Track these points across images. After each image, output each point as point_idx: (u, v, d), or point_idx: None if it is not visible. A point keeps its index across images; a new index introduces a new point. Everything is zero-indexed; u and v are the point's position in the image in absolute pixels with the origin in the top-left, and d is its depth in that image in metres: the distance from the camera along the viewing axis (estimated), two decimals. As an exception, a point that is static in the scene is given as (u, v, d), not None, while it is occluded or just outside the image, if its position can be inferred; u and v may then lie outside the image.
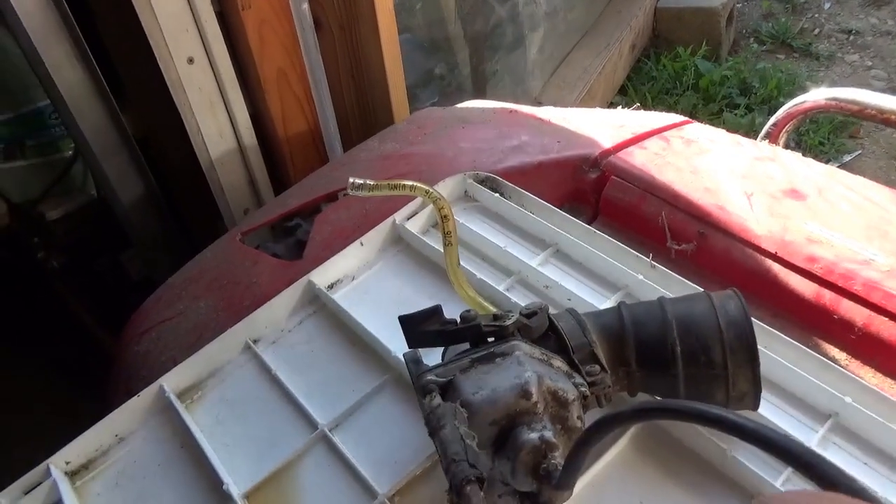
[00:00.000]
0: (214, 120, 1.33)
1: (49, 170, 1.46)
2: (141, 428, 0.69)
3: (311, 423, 0.65)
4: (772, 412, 0.57)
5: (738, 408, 0.53)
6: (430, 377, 0.50)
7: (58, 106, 1.28)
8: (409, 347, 0.55)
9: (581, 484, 0.55)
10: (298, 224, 1.08)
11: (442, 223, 0.60)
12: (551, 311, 0.56)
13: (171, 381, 0.70)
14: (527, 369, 0.48)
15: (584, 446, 0.39)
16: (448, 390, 0.50)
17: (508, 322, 0.52)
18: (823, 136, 2.53)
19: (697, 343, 0.52)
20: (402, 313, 0.74)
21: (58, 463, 0.65)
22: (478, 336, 0.52)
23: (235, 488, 0.60)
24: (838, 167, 2.18)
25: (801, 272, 0.66)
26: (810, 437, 0.55)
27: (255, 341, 0.74)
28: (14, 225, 1.52)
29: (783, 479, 0.52)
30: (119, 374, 0.87)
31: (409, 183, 0.58)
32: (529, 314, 0.54)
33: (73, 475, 0.66)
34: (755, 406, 0.53)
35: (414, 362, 0.54)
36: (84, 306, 1.57)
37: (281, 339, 0.75)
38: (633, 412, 0.37)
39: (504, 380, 0.47)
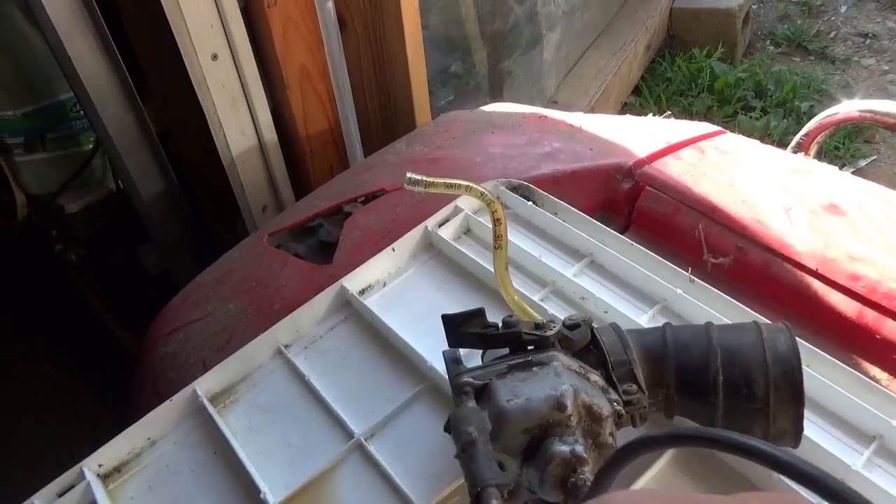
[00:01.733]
0: (236, 117, 1.33)
1: (69, 163, 1.45)
2: (173, 432, 0.69)
3: (347, 432, 0.64)
4: (815, 432, 0.57)
5: (777, 444, 0.53)
6: (467, 378, 0.50)
7: (81, 99, 1.28)
8: (450, 346, 0.55)
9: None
10: (320, 224, 1.07)
11: (494, 226, 0.60)
12: (594, 324, 0.56)
13: (204, 386, 0.70)
14: (564, 381, 0.47)
15: (615, 466, 0.39)
16: (483, 393, 0.49)
17: (550, 333, 0.52)
18: (839, 141, 2.52)
19: (741, 374, 0.51)
20: (436, 322, 0.74)
21: (91, 465, 0.65)
22: (518, 343, 0.52)
23: (272, 497, 0.59)
24: (853, 172, 2.17)
25: (842, 290, 0.66)
26: (855, 459, 0.55)
27: (286, 346, 0.74)
28: (33, 217, 1.52)
29: (830, 502, 0.52)
30: (145, 374, 0.87)
31: (465, 183, 0.58)
32: (572, 326, 0.54)
33: (105, 478, 0.66)
34: (796, 444, 0.53)
35: (453, 361, 0.53)
36: (100, 299, 1.57)
37: (312, 346, 0.74)
38: (668, 437, 0.36)
39: (540, 390, 0.47)
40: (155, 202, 1.40)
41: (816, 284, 0.67)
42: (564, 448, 0.44)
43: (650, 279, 0.70)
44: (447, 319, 0.54)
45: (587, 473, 0.44)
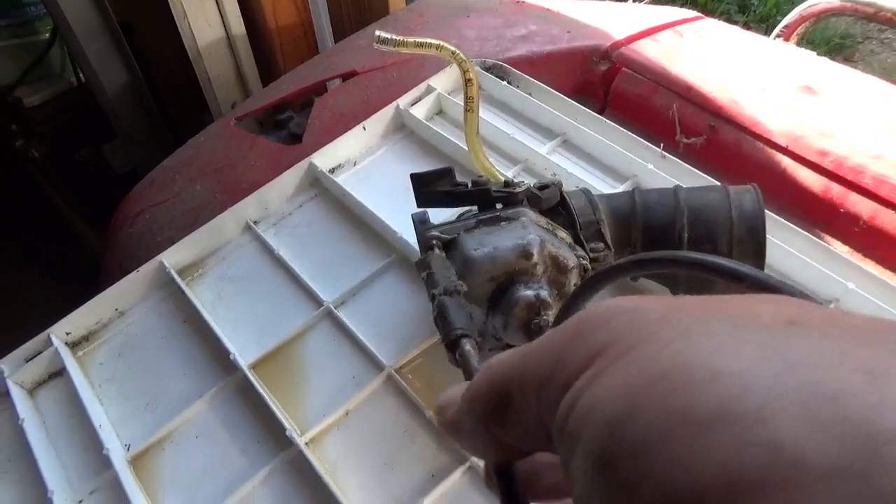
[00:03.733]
0: (201, 6, 1.27)
1: (26, 53, 1.38)
2: (141, 303, 0.68)
3: (316, 301, 0.65)
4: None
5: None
6: (435, 232, 0.49)
7: (34, -19, 1.21)
8: (418, 207, 0.54)
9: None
10: (290, 117, 1.04)
11: (466, 87, 0.58)
12: (564, 188, 0.55)
13: (171, 258, 0.69)
14: (530, 232, 0.48)
15: (578, 299, 0.38)
16: (451, 247, 0.49)
17: (519, 190, 0.52)
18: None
19: (706, 231, 0.52)
20: (407, 198, 0.74)
21: (58, 333, 0.65)
22: (487, 200, 0.52)
23: (242, 359, 0.60)
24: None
25: (811, 165, 0.66)
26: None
27: (255, 222, 0.73)
28: (-11, 111, 1.46)
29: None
30: (113, 256, 0.86)
31: (436, 42, 0.56)
32: (542, 187, 0.53)
33: (73, 346, 0.66)
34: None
35: (421, 222, 0.53)
36: (65, 199, 1.53)
37: (282, 222, 0.73)
38: (631, 263, 0.35)
39: (507, 240, 0.47)
40: (119, 96, 1.35)
41: (786, 161, 0.68)
42: (529, 293, 0.45)
43: (623, 156, 0.69)
44: (416, 177, 0.53)
45: (550, 316, 0.44)
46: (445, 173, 0.53)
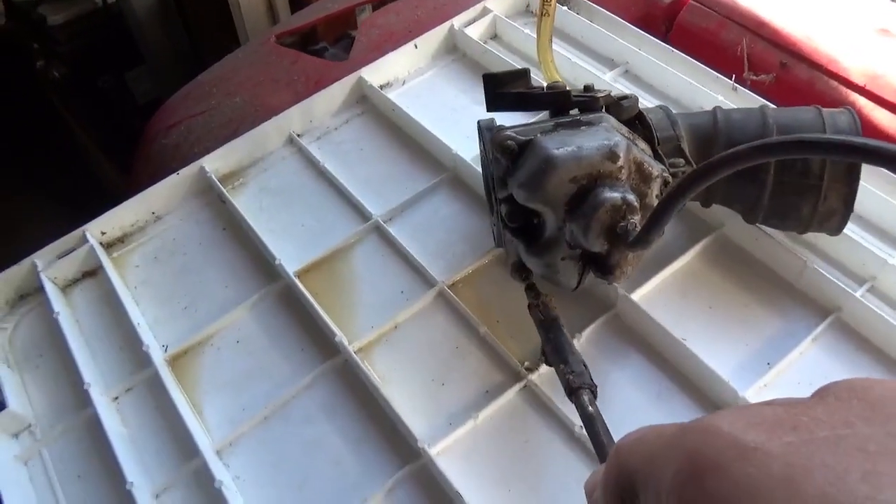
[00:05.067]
0: (236, -73, 1.22)
1: (51, -33, 1.34)
2: (178, 208, 0.66)
3: (364, 215, 0.62)
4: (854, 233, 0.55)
5: (822, 227, 0.51)
6: (510, 133, 0.46)
7: None
8: (488, 110, 0.51)
9: (647, 288, 0.54)
10: (325, 47, 1.01)
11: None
12: (641, 104, 0.52)
13: (212, 164, 0.66)
14: (615, 135, 0.44)
15: (682, 193, 0.34)
16: (527, 149, 0.46)
17: (600, 94, 0.48)
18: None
19: None
20: (457, 120, 0.70)
21: (93, 232, 0.62)
22: (564, 104, 0.49)
23: (287, 266, 0.57)
24: None
25: (889, 107, 0.63)
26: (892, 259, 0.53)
27: (299, 135, 0.70)
28: (12, 27, 1.42)
29: (863, 290, 0.51)
30: (144, 168, 0.83)
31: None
32: (620, 98, 0.50)
33: (108, 246, 0.63)
34: (839, 229, 0.51)
35: (489, 129, 0.50)
36: (82, 125, 1.50)
37: (326, 136, 0.70)
38: (753, 149, 0.30)
39: (592, 140, 0.44)
40: (148, 17, 1.31)
41: (862, 101, 0.64)
42: (616, 194, 0.42)
43: (689, 86, 0.66)
44: (489, 77, 0.50)
45: (636, 221, 0.42)
46: (521, 74, 0.50)
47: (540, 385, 0.49)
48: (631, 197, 0.42)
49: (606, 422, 0.40)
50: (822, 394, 0.18)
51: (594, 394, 0.42)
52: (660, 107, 0.53)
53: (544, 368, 0.49)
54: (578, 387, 0.42)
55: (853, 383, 0.18)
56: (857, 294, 0.50)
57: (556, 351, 0.45)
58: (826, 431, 0.16)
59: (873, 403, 0.17)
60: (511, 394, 0.49)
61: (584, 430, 0.42)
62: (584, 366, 0.43)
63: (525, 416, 0.49)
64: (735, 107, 0.62)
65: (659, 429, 0.20)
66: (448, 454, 0.47)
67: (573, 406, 0.42)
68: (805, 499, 0.15)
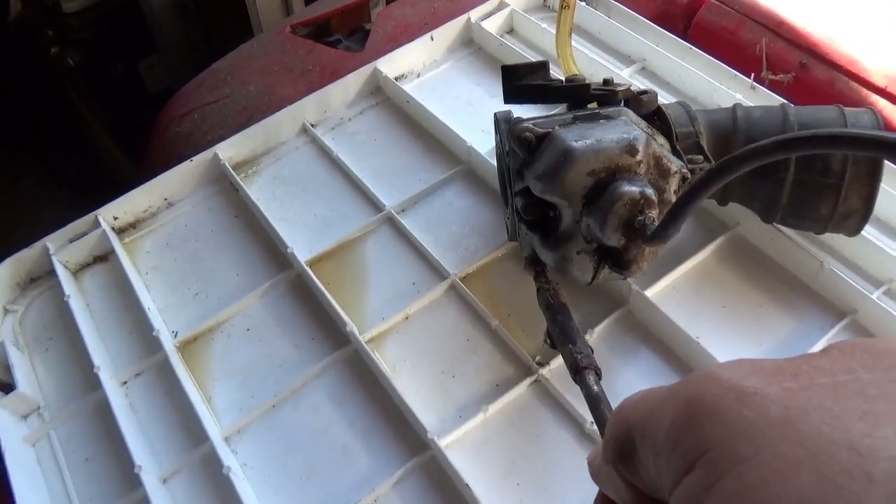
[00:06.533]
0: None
1: (68, -46, 1.34)
2: (191, 195, 0.66)
3: (376, 206, 0.62)
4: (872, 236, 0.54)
5: (840, 227, 0.51)
6: (528, 124, 0.46)
7: None
8: (505, 102, 0.51)
9: (661, 285, 0.54)
10: (339, 39, 1.00)
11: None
12: (659, 100, 0.52)
13: (226, 151, 0.66)
14: (634, 129, 0.44)
15: (703, 187, 0.32)
16: (545, 141, 0.45)
17: (619, 88, 0.48)
18: None
19: None
20: (472, 113, 0.70)
21: (105, 216, 0.62)
22: (583, 97, 0.48)
23: (298, 255, 0.57)
24: None
25: (910, 109, 0.62)
26: (906, 264, 0.53)
27: (312, 125, 0.69)
28: (27, 14, 1.42)
29: (880, 293, 0.51)
30: (156, 156, 0.83)
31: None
32: (640, 92, 0.50)
33: (120, 232, 0.63)
34: (858, 230, 0.50)
35: (506, 120, 0.49)
36: (94, 113, 1.50)
37: (340, 127, 0.70)
38: (776, 144, 0.30)
39: (611, 133, 0.43)
40: (163, 6, 1.31)
41: (882, 103, 0.64)
42: (634, 188, 0.41)
43: (707, 85, 0.65)
44: (507, 69, 0.50)
45: (654, 216, 0.41)
46: (540, 67, 0.49)
47: (551, 380, 0.49)
48: (649, 191, 0.42)
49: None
50: (827, 348, 0.18)
51: (599, 376, 0.42)
52: (679, 103, 0.52)
53: (555, 363, 0.49)
54: (585, 367, 0.41)
55: (858, 339, 0.18)
56: (874, 296, 0.50)
57: (563, 333, 0.44)
58: (826, 378, 0.16)
59: (877, 354, 0.17)
60: (522, 388, 0.49)
61: (595, 427, 0.41)
62: (591, 350, 0.43)
63: (535, 411, 0.48)
64: (753, 105, 0.62)
65: (661, 387, 0.20)
66: (457, 447, 0.46)
67: (584, 402, 0.42)
68: (801, 437, 0.15)
